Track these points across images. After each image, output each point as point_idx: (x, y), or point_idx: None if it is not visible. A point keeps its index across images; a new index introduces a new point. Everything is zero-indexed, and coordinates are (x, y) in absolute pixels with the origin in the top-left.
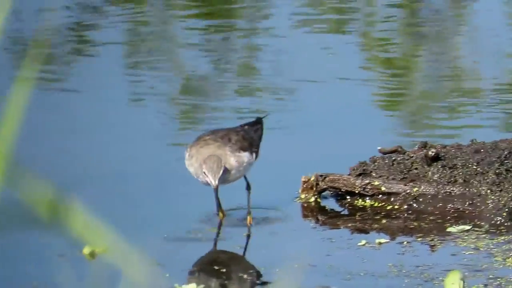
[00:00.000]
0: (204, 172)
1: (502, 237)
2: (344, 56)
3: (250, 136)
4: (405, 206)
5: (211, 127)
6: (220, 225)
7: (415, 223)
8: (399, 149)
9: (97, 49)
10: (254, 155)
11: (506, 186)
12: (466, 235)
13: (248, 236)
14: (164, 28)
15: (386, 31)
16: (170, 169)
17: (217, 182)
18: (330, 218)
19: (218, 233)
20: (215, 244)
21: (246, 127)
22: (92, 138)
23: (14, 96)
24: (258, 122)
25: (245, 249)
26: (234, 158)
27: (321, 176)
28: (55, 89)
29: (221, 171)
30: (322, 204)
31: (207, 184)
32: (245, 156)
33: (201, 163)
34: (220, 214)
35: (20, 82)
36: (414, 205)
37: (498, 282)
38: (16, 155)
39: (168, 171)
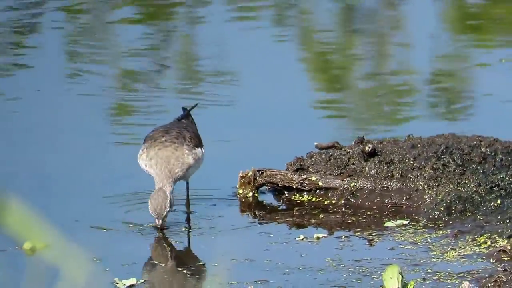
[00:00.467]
0: (149, 211)
1: (440, 232)
2: (282, 52)
3: (197, 131)
4: (343, 201)
5: (147, 121)
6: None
7: (353, 218)
8: (336, 145)
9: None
10: (203, 149)
11: (443, 181)
12: (404, 230)
13: (187, 231)
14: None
15: (324, 31)
16: (108, 164)
17: (160, 222)
18: (268, 213)
19: (157, 228)
20: (154, 239)
21: (183, 120)
22: (29, 137)
23: None
24: (189, 114)
25: (184, 243)
26: (192, 157)
27: (258, 171)
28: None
29: (166, 212)
30: (260, 199)
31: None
32: (199, 152)
33: (150, 199)
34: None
35: None
36: (352, 200)
37: (437, 277)
38: None
39: (106, 166)
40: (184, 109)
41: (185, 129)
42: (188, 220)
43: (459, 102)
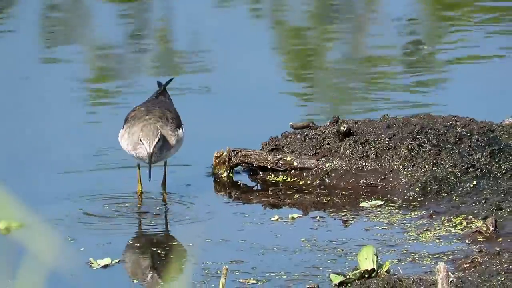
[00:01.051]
0: (140, 139)
1: (415, 212)
2: (258, 33)
3: (176, 111)
4: (318, 181)
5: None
6: (139, 200)
7: (328, 198)
8: (311, 125)
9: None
10: (183, 130)
11: (419, 161)
12: (379, 210)
13: (163, 212)
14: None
15: (299, 13)
16: (83, 141)
17: (151, 149)
18: (242, 193)
19: (134, 209)
20: (130, 219)
21: (161, 98)
22: (11, 117)
23: None
24: (165, 90)
25: (159, 224)
26: (174, 138)
27: (233, 151)
28: None
29: (156, 140)
30: (235, 179)
31: (142, 158)
32: (181, 133)
33: (139, 131)
34: (139, 187)
35: None
36: (327, 180)
37: (412, 258)
38: None
39: (81, 144)
40: (159, 83)
41: (167, 109)
42: (163, 200)
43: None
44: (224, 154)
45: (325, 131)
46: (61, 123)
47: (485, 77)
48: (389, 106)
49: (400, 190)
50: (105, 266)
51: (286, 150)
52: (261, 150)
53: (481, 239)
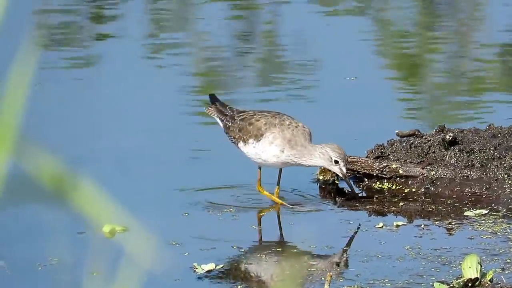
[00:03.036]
0: (336, 160)
1: None
2: (361, 34)
3: None
4: (422, 189)
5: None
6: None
7: (433, 207)
8: (417, 133)
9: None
10: None
11: None
12: (483, 219)
13: (266, 217)
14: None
15: (402, 22)
16: (185, 145)
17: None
18: (347, 200)
19: (344, 176)
20: (232, 222)
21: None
22: (105, 115)
23: (19, 70)
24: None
25: (263, 229)
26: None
27: None
28: (71, 67)
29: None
30: (340, 186)
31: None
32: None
33: (330, 149)
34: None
35: (23, 57)
36: (432, 188)
37: None
38: (25, 129)
39: (182, 148)
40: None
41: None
42: (279, 203)
43: None
44: None
45: (430, 140)
46: (160, 124)
47: None
48: (494, 116)
49: (505, 199)
50: (209, 271)
51: (391, 157)
52: (366, 157)
53: None
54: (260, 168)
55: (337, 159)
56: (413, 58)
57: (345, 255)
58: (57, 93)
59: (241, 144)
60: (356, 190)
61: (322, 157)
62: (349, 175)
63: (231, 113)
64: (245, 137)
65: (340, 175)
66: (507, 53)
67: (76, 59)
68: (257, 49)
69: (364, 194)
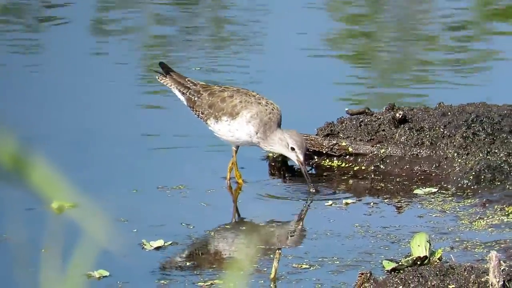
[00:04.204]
0: (292, 147)
1: (469, 200)
2: (311, 17)
3: None
4: (372, 168)
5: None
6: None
7: (382, 185)
8: (367, 111)
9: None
10: None
11: (473, 149)
12: (433, 198)
13: (215, 194)
14: None
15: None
16: (137, 126)
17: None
18: (296, 177)
19: (301, 165)
20: (181, 201)
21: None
22: (64, 98)
23: None
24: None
25: (211, 205)
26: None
27: None
28: (29, 53)
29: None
30: (289, 163)
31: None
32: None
33: (290, 136)
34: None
35: None
36: (381, 166)
37: (464, 245)
38: None
39: (135, 129)
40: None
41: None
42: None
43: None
44: None
45: (380, 118)
46: (113, 105)
47: None
48: (444, 94)
49: (454, 178)
50: (158, 248)
51: (341, 135)
52: (316, 135)
53: None
54: (236, 148)
55: (293, 146)
56: (362, 37)
57: (294, 232)
58: (7, 76)
59: (211, 121)
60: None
61: (280, 143)
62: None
63: (194, 87)
64: (217, 114)
65: (297, 163)
66: (452, 29)
67: (24, 40)
68: (203, 23)
69: (314, 172)
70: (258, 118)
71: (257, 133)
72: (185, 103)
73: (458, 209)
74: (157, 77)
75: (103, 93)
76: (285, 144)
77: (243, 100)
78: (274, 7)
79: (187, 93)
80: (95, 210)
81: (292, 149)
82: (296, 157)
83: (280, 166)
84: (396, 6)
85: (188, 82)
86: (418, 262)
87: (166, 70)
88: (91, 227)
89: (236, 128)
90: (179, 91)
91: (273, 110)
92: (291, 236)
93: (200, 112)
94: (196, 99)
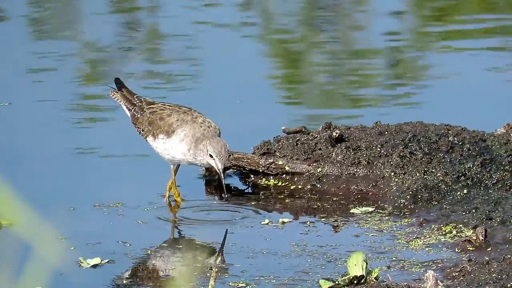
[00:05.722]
0: (211, 154)
1: (406, 220)
2: (246, 38)
3: None
4: (309, 186)
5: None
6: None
7: (319, 204)
8: (303, 130)
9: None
10: None
11: (410, 169)
12: (370, 217)
13: (151, 212)
14: None
15: (286, 16)
16: (76, 143)
17: (222, 167)
18: (233, 196)
19: (219, 173)
20: (120, 219)
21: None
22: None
23: None
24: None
25: (147, 224)
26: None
27: None
28: None
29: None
30: (226, 182)
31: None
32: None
33: (210, 143)
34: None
35: None
36: (318, 185)
37: (401, 265)
38: None
39: (73, 146)
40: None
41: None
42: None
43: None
44: None
45: (317, 137)
46: (51, 124)
47: (477, 87)
48: (381, 112)
49: (391, 197)
50: (95, 266)
51: (278, 154)
52: (253, 153)
53: (471, 248)
54: (175, 167)
55: (212, 153)
56: (297, 55)
57: (231, 251)
58: None
59: (150, 138)
60: (242, 186)
61: (204, 152)
62: (234, 172)
63: (140, 104)
64: (155, 131)
65: (216, 170)
66: (392, 49)
67: None
68: (140, 42)
69: (250, 191)
70: (190, 136)
71: (189, 151)
72: (131, 120)
73: (395, 229)
74: (110, 92)
75: (32, 109)
76: (205, 151)
77: (179, 118)
78: (208, 27)
79: (133, 110)
80: (36, 227)
81: (211, 156)
82: (214, 164)
83: (216, 185)
84: (331, 25)
85: (136, 99)
86: (355, 281)
87: (120, 86)
88: (32, 245)
89: (171, 146)
90: (127, 107)
91: (208, 127)
92: (228, 254)
93: (141, 129)
94: (138, 116)
